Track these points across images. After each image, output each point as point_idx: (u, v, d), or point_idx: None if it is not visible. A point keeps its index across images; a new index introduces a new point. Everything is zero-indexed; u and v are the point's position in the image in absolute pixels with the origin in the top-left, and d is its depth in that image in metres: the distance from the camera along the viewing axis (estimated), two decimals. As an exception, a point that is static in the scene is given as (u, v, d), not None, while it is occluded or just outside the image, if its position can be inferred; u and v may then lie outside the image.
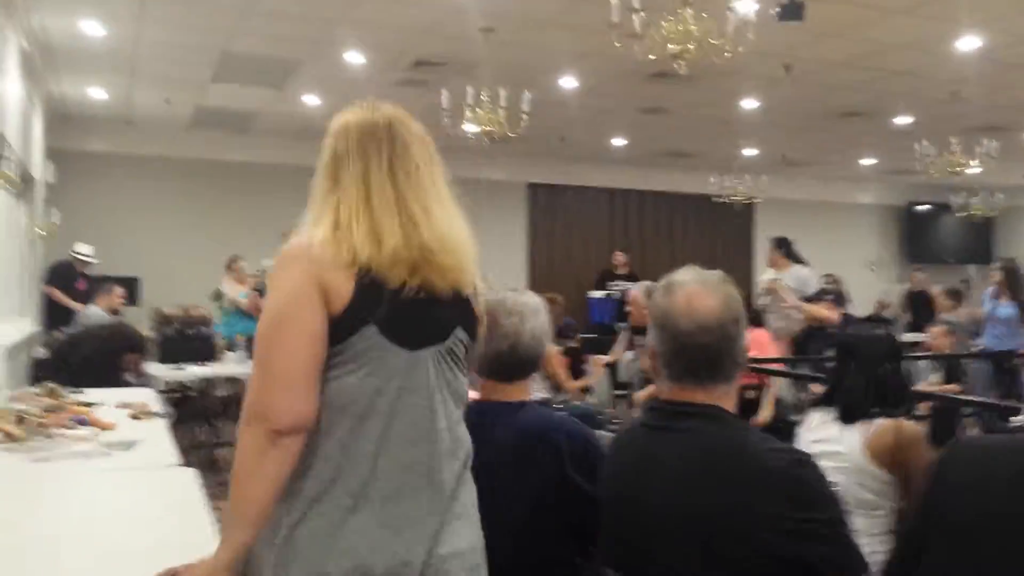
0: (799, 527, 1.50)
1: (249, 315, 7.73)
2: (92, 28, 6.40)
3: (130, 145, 10.33)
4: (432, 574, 1.48)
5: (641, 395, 5.61)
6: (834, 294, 6.46)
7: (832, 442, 2.54)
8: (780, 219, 12.78)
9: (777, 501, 1.50)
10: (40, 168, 8.19)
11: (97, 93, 8.57)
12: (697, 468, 1.58)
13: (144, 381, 5.38)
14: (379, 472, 1.46)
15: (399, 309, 1.47)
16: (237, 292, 8.14)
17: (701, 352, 1.64)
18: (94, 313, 6.65)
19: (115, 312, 6.99)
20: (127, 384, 4.87)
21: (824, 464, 1.91)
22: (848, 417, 2.55)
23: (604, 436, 3.60)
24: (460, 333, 1.59)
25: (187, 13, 6.02)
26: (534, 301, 2.17)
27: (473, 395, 2.65)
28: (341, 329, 1.44)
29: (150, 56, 7.16)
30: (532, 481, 1.97)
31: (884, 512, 2.45)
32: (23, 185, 7.29)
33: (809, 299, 6.41)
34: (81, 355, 4.83)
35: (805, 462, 1.58)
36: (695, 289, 1.66)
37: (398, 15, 6.01)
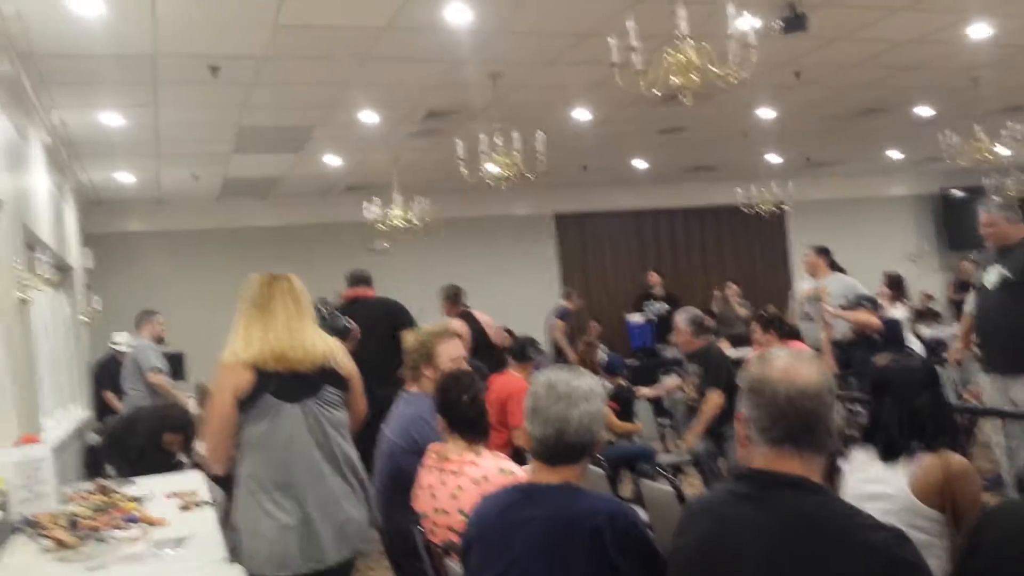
0: None
1: None
2: (111, 119, 6.59)
3: (163, 222, 10.58)
4: (324, 530, 2.72)
5: (688, 438, 5.55)
6: (871, 300, 6.36)
7: (877, 482, 2.48)
8: (812, 222, 12.64)
9: None
10: (77, 256, 8.40)
11: (125, 177, 8.80)
12: (794, 540, 1.57)
13: (198, 459, 5.44)
14: (285, 474, 2.72)
15: (281, 383, 2.70)
16: None
17: (800, 417, 1.64)
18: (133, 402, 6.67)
19: (160, 340, 7.03)
20: (181, 465, 4.92)
21: (871, 506, 1.87)
22: (888, 455, 2.49)
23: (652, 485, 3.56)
24: (329, 388, 2.80)
25: (200, 94, 6.17)
26: (587, 385, 2.13)
27: (523, 474, 2.65)
28: (252, 398, 2.70)
29: (171, 138, 7.35)
30: (575, 565, 1.93)
31: (938, 550, 2.36)
32: (61, 275, 7.48)
33: (844, 307, 6.33)
34: (135, 443, 4.90)
35: (905, 540, 1.56)
36: (791, 360, 1.70)
37: (406, 72, 6.10)
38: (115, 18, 4.63)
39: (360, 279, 5.74)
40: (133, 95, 6.07)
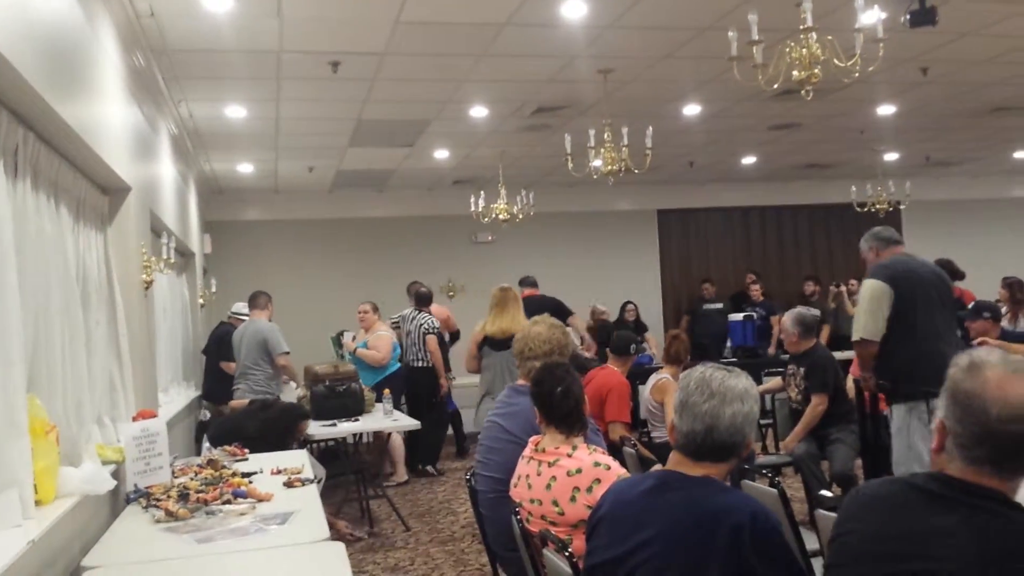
0: None
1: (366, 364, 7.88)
2: (235, 112, 6.83)
3: (277, 211, 10.93)
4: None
5: (789, 441, 5.45)
6: (991, 310, 6.04)
7: None
8: (930, 222, 12.15)
9: None
10: (197, 241, 8.75)
11: (245, 167, 9.12)
12: (1002, 553, 1.47)
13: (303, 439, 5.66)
14: (489, 385, 5.92)
15: (494, 341, 5.93)
16: (359, 339, 8.27)
17: (1011, 442, 1.52)
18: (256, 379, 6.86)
19: (270, 321, 7.20)
20: (289, 447, 5.09)
21: None
22: None
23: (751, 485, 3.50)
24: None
25: (321, 90, 6.33)
26: (742, 385, 2.08)
27: (620, 469, 2.64)
28: (480, 346, 6.05)
29: (290, 131, 7.57)
30: (708, 557, 1.87)
31: None
32: (183, 260, 7.81)
33: (963, 319, 6.01)
34: (257, 428, 5.09)
35: None
36: (1007, 374, 1.55)
37: (519, 68, 6.12)
38: (243, 14, 4.78)
39: (528, 283, 8.30)
40: (257, 89, 6.28)
